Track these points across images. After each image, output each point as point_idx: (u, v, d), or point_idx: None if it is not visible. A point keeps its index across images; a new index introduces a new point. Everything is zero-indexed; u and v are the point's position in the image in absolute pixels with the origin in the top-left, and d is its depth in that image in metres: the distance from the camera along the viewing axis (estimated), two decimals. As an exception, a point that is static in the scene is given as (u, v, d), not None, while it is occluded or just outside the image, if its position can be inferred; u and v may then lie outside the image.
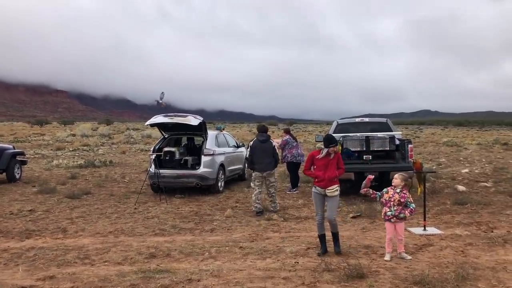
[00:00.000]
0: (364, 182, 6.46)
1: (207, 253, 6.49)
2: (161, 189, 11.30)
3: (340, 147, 10.84)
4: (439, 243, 6.83)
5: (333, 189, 6.41)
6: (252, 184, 9.73)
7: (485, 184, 12.67)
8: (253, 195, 9.58)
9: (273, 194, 9.63)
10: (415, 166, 9.09)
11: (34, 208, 10.07)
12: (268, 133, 10.16)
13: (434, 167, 16.99)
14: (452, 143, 31.99)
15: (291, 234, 7.64)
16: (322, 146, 6.50)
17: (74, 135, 40.15)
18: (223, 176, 12.43)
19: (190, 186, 11.78)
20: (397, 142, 10.98)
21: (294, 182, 12.24)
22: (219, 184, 12.17)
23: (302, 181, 13.03)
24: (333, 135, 12.16)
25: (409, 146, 10.49)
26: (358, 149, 10.96)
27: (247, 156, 9.89)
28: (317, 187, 6.47)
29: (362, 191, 6.43)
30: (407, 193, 6.27)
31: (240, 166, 14.23)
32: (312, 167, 6.59)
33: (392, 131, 12.07)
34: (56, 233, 7.96)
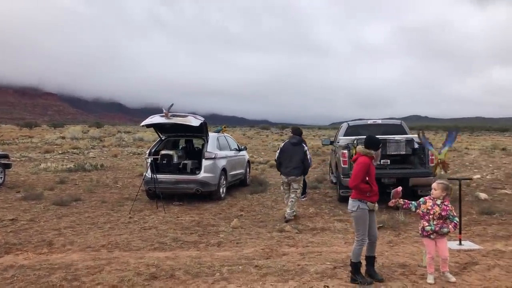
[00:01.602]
0: (392, 193, 5.55)
1: (218, 274, 5.55)
2: (158, 195, 10.34)
3: (354, 150, 9.98)
4: (484, 261, 5.95)
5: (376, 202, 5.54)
6: (281, 188, 9.38)
7: (505, 191, 11.85)
8: (284, 198, 9.34)
9: (293, 200, 8.92)
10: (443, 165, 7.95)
11: (17, 216, 9.05)
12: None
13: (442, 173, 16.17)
14: (451, 148, 31.21)
15: (310, 249, 6.71)
16: (367, 150, 5.45)
17: (63, 137, 38.90)
18: (225, 181, 11.50)
19: (189, 193, 10.84)
20: (416, 145, 10.11)
21: (303, 188, 11.32)
22: (221, 190, 11.23)
23: (309, 187, 12.13)
24: (344, 138, 11.34)
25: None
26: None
27: (276, 158, 9.27)
28: (368, 203, 5.38)
29: (391, 203, 5.53)
30: (449, 205, 5.38)
31: (242, 170, 13.30)
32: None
33: (407, 134, 11.24)
34: (41, 247, 6.96)
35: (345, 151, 9.84)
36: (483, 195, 10.90)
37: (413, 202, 5.48)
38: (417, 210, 5.45)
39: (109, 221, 8.84)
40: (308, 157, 9.01)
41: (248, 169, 14.08)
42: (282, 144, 9.12)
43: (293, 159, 8.87)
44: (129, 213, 9.55)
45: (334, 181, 12.10)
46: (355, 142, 10.01)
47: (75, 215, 9.32)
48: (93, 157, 23.47)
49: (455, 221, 5.34)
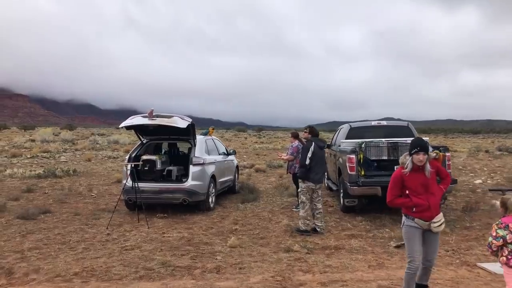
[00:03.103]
0: None
1: (226, 316, 4.37)
2: (139, 206, 9.07)
3: (361, 156, 8.91)
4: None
5: (439, 221, 4.39)
6: (303, 198, 7.99)
7: (518, 198, 11.00)
8: (302, 211, 7.92)
9: (321, 211, 8.06)
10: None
11: (-28, 235, 7.66)
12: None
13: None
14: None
15: (330, 276, 5.57)
16: (403, 158, 4.46)
17: (33, 140, 36.84)
18: (214, 190, 10.29)
19: (175, 203, 9.61)
20: (430, 149, 9.10)
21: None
22: (210, 200, 10.02)
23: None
24: (347, 141, 10.28)
25: (447, 154, 8.67)
26: (384, 157, 9.06)
27: (302, 163, 7.86)
28: (415, 219, 4.38)
29: None
30: (501, 223, 4.23)
31: (231, 177, 12.12)
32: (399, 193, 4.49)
33: (415, 136, 10.26)
34: (-2, 277, 5.65)
35: (352, 156, 8.76)
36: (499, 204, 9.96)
37: None
38: None
39: (83, 239, 7.53)
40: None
41: (236, 175, 12.91)
42: (312, 147, 7.92)
43: (322, 164, 8.06)
44: (107, 228, 8.27)
45: (333, 188, 11.03)
46: (362, 145, 8.95)
47: (43, 232, 7.98)
48: (65, 161, 21.88)
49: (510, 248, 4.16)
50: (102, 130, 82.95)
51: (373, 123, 10.92)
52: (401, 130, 10.54)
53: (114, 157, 24.29)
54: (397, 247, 6.79)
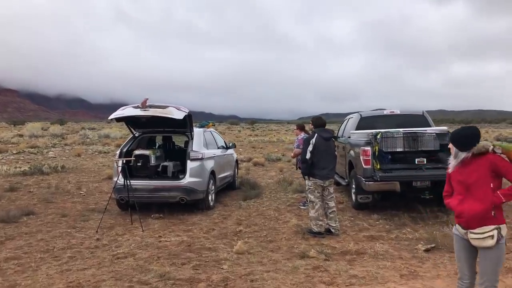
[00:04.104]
0: None
1: None
2: (133, 206, 8.20)
3: (377, 148, 8.08)
4: None
5: (482, 233, 3.38)
6: (311, 197, 7.14)
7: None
8: (313, 211, 7.07)
9: (335, 210, 7.18)
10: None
11: None
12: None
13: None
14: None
15: (358, 289, 4.77)
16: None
17: (21, 135, 35.70)
18: (213, 187, 9.45)
19: (171, 202, 8.76)
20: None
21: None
22: (210, 198, 9.18)
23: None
24: (359, 132, 9.47)
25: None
26: (400, 149, 8.25)
27: (303, 158, 7.10)
28: (456, 225, 3.59)
29: None
30: None
31: (231, 172, 11.28)
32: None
33: (430, 126, 9.50)
34: (-34, 296, 4.79)
35: (367, 148, 7.96)
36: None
37: None
38: None
39: (70, 245, 6.66)
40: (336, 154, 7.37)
41: (236, 170, 12.07)
42: (313, 139, 7.08)
43: (329, 157, 7.14)
44: (97, 232, 7.40)
45: (342, 183, 10.22)
46: (378, 136, 8.11)
47: (24, 237, 7.11)
48: (53, 157, 20.88)
49: None
50: (93, 124, 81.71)
51: (385, 112, 10.12)
52: (416, 119, 9.74)
53: (105, 152, 23.34)
54: (427, 251, 5.99)
